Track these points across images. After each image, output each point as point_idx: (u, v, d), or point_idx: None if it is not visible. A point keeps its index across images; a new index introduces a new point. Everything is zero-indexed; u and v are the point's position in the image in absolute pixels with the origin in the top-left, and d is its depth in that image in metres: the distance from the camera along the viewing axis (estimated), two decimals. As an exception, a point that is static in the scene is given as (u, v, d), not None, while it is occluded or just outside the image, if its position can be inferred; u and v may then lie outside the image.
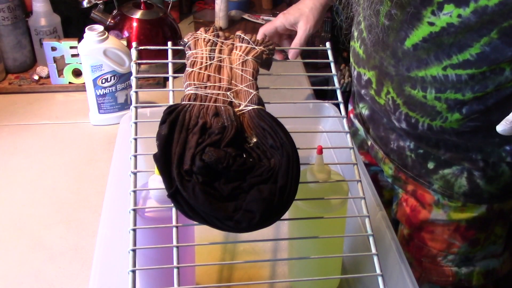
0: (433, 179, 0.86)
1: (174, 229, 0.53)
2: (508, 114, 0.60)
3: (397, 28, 0.72)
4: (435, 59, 0.70)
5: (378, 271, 0.56)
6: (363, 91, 0.86)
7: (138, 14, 1.31)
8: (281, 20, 1.02)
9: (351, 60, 0.90)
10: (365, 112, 0.94)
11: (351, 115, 1.04)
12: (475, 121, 0.74)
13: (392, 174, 0.93)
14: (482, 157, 0.80)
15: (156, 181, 0.61)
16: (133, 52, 0.68)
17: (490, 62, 0.67)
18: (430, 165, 0.85)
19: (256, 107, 0.58)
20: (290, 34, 1.05)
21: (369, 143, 0.97)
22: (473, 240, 0.90)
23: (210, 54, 0.64)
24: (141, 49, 0.68)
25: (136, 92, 0.64)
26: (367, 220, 0.59)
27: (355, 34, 0.86)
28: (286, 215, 0.53)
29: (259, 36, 1.03)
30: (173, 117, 0.55)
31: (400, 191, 0.95)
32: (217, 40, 0.66)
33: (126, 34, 1.30)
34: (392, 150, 0.90)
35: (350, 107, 1.06)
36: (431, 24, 0.67)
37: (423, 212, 0.90)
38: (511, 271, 0.97)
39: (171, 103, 0.62)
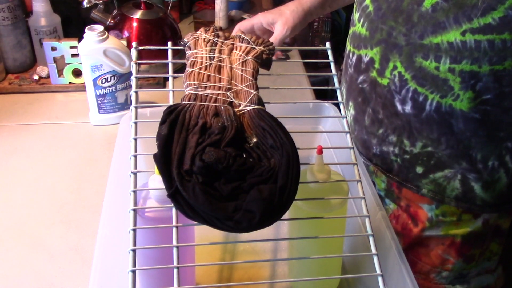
0: (422, 183, 0.83)
1: (174, 229, 0.53)
2: None
3: None
4: (454, 22, 0.67)
5: (378, 271, 0.56)
6: (361, 78, 0.83)
7: (138, 14, 1.31)
8: (259, 18, 0.99)
9: (349, 47, 0.87)
10: (351, 112, 0.91)
11: None
12: (487, 104, 0.71)
13: (384, 187, 0.91)
14: (482, 156, 0.77)
15: (156, 181, 0.61)
16: (133, 52, 0.68)
17: None
18: (419, 170, 0.82)
19: (256, 107, 0.58)
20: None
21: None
22: (468, 256, 0.87)
23: (210, 54, 0.64)
24: (141, 49, 0.68)
25: (136, 92, 0.64)
26: (367, 220, 0.59)
27: (356, 17, 0.84)
28: (286, 215, 0.53)
29: (235, 32, 0.99)
30: (173, 117, 0.55)
31: (392, 206, 0.92)
32: (217, 40, 0.66)
33: (126, 34, 1.30)
34: (375, 155, 0.87)
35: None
36: None
37: (415, 230, 0.88)
38: (505, 286, 0.95)
39: (171, 103, 0.62)
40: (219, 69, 0.63)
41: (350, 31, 0.87)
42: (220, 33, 0.67)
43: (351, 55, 0.87)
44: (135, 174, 0.57)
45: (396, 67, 0.76)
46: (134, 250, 0.52)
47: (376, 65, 0.79)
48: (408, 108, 0.77)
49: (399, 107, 0.79)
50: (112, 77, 1.10)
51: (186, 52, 0.66)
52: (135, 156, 0.59)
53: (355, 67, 0.85)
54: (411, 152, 0.82)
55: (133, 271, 0.51)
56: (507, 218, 0.88)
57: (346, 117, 0.67)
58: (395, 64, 0.76)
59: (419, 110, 0.76)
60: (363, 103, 0.87)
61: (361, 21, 0.82)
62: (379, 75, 0.79)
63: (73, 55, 1.18)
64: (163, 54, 0.70)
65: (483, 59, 0.68)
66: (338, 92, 0.69)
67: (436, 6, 0.68)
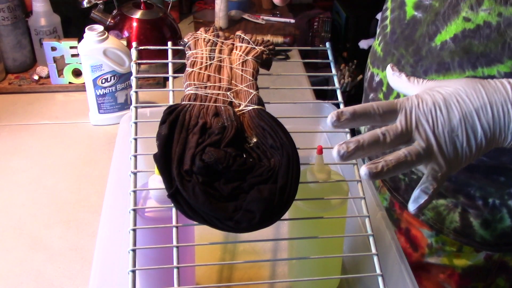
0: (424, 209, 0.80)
1: (174, 229, 0.54)
2: None
3: (429, 22, 0.67)
4: (458, 66, 0.65)
5: (378, 271, 0.56)
6: (371, 95, 0.82)
7: (138, 14, 1.31)
8: None
9: (368, 61, 0.86)
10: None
11: None
12: (483, 155, 0.68)
13: (386, 206, 0.88)
14: (482, 194, 0.74)
15: (156, 181, 0.61)
16: (133, 52, 0.68)
17: None
18: None
19: (256, 107, 0.58)
20: None
21: None
22: None
23: (210, 54, 0.64)
24: (141, 49, 0.68)
25: (136, 92, 0.64)
26: (367, 220, 0.59)
27: (377, 31, 0.83)
28: (286, 215, 0.53)
29: None
30: (173, 117, 0.56)
31: (393, 228, 0.90)
32: (217, 40, 0.66)
33: (126, 34, 1.30)
34: None
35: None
36: (467, 19, 0.62)
37: (415, 255, 0.85)
38: None
39: (171, 103, 0.62)
40: (219, 69, 0.63)
41: (373, 44, 0.86)
42: (220, 33, 0.67)
43: (367, 69, 0.86)
44: (135, 174, 0.57)
45: (398, 95, 0.75)
46: (134, 250, 0.52)
47: (384, 88, 0.78)
48: None
49: None
50: (112, 77, 1.10)
51: (186, 52, 0.66)
52: (135, 156, 0.59)
53: (369, 82, 0.84)
54: (417, 172, 0.79)
55: (133, 271, 0.51)
56: None
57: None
58: (398, 92, 0.74)
59: None
60: None
61: (379, 39, 0.80)
62: (385, 98, 0.78)
63: (73, 55, 1.18)
64: (163, 54, 0.70)
65: None
66: (338, 92, 0.69)
67: (445, 45, 0.66)
